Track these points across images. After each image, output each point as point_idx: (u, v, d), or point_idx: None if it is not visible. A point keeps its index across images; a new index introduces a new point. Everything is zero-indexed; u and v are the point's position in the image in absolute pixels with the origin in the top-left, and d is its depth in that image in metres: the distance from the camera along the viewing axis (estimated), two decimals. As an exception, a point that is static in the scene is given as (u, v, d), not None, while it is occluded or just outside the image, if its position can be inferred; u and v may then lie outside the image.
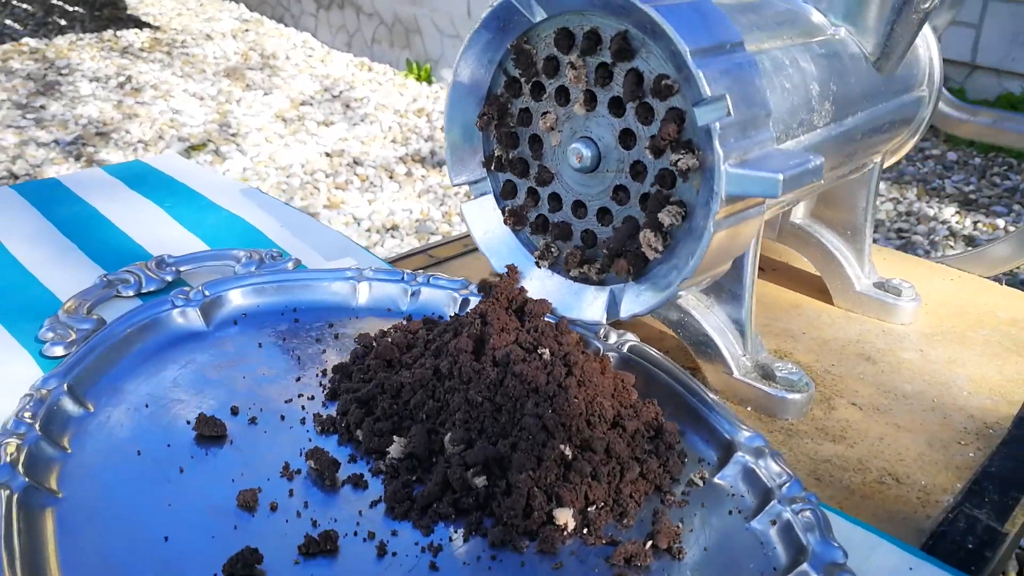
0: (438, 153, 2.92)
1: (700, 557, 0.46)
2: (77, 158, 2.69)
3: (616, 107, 0.51)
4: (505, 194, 0.59)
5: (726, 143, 0.45)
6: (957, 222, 2.38)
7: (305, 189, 2.64)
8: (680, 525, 0.48)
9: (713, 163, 0.45)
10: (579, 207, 0.54)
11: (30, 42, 3.68)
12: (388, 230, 2.45)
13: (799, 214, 0.75)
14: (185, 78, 3.42)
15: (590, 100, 0.51)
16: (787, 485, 0.49)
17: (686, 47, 0.44)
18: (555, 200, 0.56)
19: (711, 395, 0.55)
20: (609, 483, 0.49)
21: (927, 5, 0.61)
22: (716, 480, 0.51)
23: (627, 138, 0.51)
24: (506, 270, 0.56)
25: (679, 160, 0.47)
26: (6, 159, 2.62)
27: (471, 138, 0.58)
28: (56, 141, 2.79)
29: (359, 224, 2.44)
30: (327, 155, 2.86)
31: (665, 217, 0.48)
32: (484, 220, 0.58)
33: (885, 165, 0.75)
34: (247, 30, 4.09)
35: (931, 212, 2.39)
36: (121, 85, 3.29)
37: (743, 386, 0.60)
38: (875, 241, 0.90)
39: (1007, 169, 2.75)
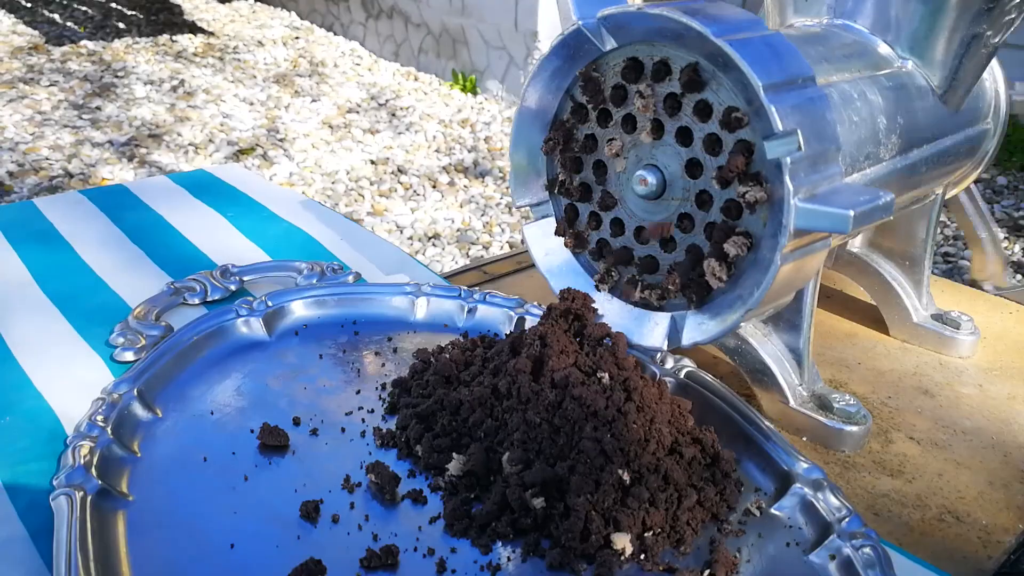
0: (481, 163, 2.93)
1: (758, 589, 0.46)
2: (130, 159, 2.75)
3: (684, 136, 0.51)
4: (567, 217, 0.59)
5: (796, 177, 0.45)
6: (1006, 247, 2.34)
7: (350, 196, 2.67)
8: (738, 555, 0.48)
9: (782, 196, 0.46)
10: (641, 232, 0.55)
11: (88, 44, 3.77)
12: (430, 239, 2.47)
13: (856, 243, 0.75)
14: (236, 83, 3.48)
15: (657, 129, 0.52)
16: (847, 520, 0.49)
17: (759, 82, 0.45)
18: (617, 225, 0.56)
19: (768, 424, 0.55)
20: (667, 509, 0.49)
21: (996, 40, 0.61)
22: (773, 511, 0.51)
23: (693, 167, 0.51)
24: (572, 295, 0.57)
25: (747, 192, 0.47)
26: (62, 158, 2.69)
27: (535, 161, 0.59)
28: (110, 142, 2.86)
29: (401, 232, 2.47)
30: (372, 162, 2.89)
31: (731, 248, 0.48)
32: (545, 242, 0.59)
33: (947, 196, 0.74)
34: (297, 38, 4.15)
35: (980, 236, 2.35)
36: (174, 89, 3.35)
37: (799, 416, 0.60)
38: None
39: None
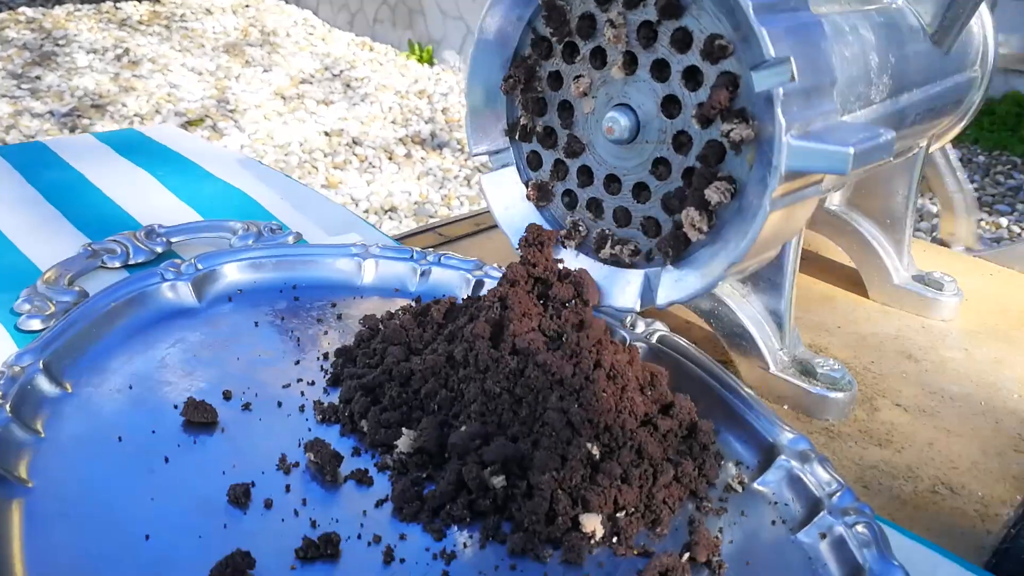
0: (438, 135, 2.87)
1: (742, 572, 0.42)
2: (72, 130, 2.63)
3: (659, 70, 0.46)
4: (530, 166, 0.54)
5: (788, 112, 0.40)
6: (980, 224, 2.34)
7: (303, 168, 2.58)
8: (719, 536, 0.43)
9: (772, 134, 0.40)
10: (612, 182, 0.49)
11: (27, 11, 3.61)
12: (387, 211, 2.40)
13: (835, 201, 0.70)
14: (183, 52, 3.35)
15: (630, 63, 0.46)
16: (838, 495, 0.45)
17: (748, 1, 0.39)
18: (585, 174, 0.51)
19: (748, 391, 0.51)
20: (641, 487, 0.44)
21: (991, -25, 0.56)
22: (756, 486, 0.47)
23: (671, 105, 0.46)
24: (526, 234, 0.51)
25: (732, 130, 0.42)
26: (0, 129, 2.56)
27: (494, 103, 0.53)
28: (51, 112, 2.73)
29: (357, 205, 2.39)
30: (326, 134, 2.81)
31: (713, 194, 0.43)
32: (505, 194, 0.53)
33: (931, 149, 0.70)
34: (247, 6, 4.02)
35: (933, 209, 2.34)
36: (118, 58, 3.22)
37: (780, 383, 0.55)
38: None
39: (1011, 168, 2.71)
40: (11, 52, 3.15)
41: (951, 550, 0.43)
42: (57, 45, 3.27)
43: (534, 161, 0.53)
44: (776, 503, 0.46)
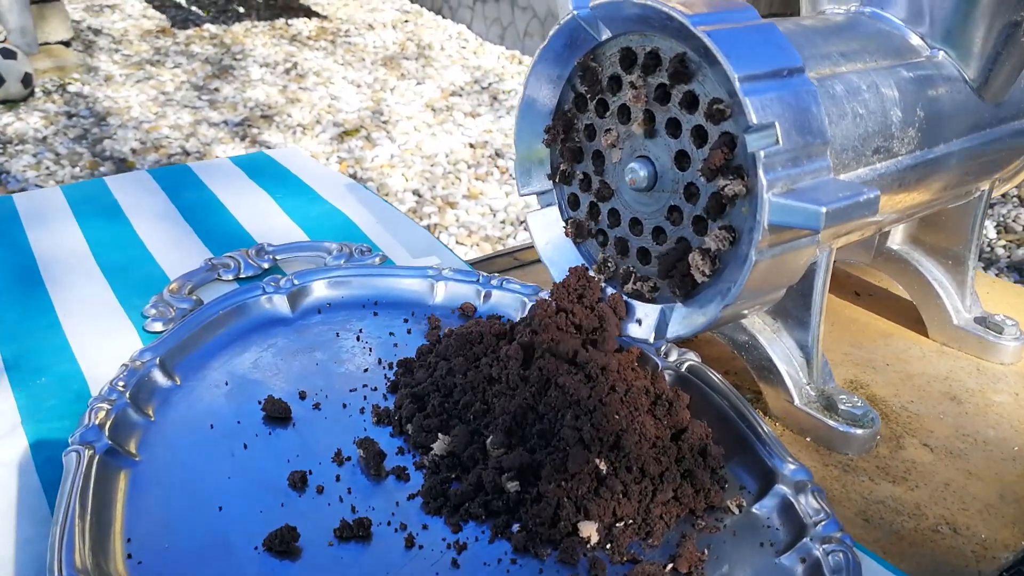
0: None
1: (718, 586, 0.46)
2: (242, 138, 2.88)
3: (673, 128, 0.51)
4: (571, 206, 0.60)
5: (771, 171, 0.44)
6: None
7: (447, 179, 2.71)
8: (706, 551, 0.48)
9: (759, 191, 0.45)
10: (636, 224, 0.55)
11: (211, 28, 3.96)
12: (521, 223, 2.49)
13: (896, 239, 0.72)
14: (345, 66, 3.58)
15: (649, 120, 0.51)
16: (823, 523, 0.48)
17: (735, 73, 0.44)
18: (614, 216, 0.56)
19: (763, 424, 0.54)
20: (640, 501, 0.50)
21: (1041, 27, 0.57)
22: (753, 510, 0.51)
23: (682, 159, 0.50)
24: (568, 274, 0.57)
25: (727, 186, 0.47)
26: (180, 137, 2.84)
27: (539, 151, 0.59)
28: (225, 122, 3.00)
29: (495, 215, 2.49)
30: (471, 146, 2.93)
31: (711, 242, 0.48)
32: (547, 231, 0.59)
33: (997, 193, 0.70)
34: (407, 21, 4.23)
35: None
36: (287, 71, 3.48)
37: (803, 416, 0.58)
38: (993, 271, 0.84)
39: None
40: (195, 66, 3.48)
41: (933, 586, 0.46)
42: (235, 59, 3.58)
43: (574, 202, 0.59)
44: (768, 527, 0.50)
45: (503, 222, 2.47)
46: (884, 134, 0.53)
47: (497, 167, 2.83)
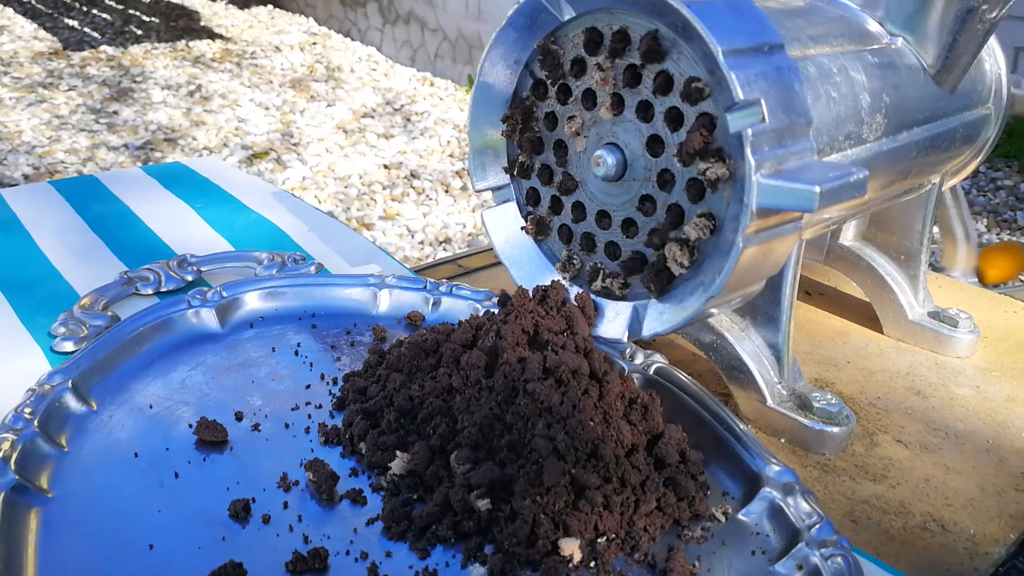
0: (496, 168, 2.90)
1: (715, 600, 0.42)
2: (145, 162, 2.75)
3: (644, 111, 0.47)
4: (529, 202, 0.56)
5: (759, 151, 0.41)
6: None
7: (362, 200, 2.65)
8: (697, 564, 0.44)
9: (744, 173, 0.42)
10: (603, 217, 0.51)
11: (107, 49, 3.80)
12: (441, 243, 2.45)
13: (849, 236, 0.70)
14: (252, 88, 3.48)
15: (617, 104, 0.48)
16: (817, 527, 0.45)
17: (718, 47, 0.41)
18: (579, 209, 0.53)
19: (741, 425, 0.51)
20: (622, 514, 0.46)
21: (994, 15, 0.57)
22: (740, 516, 0.48)
23: (655, 145, 0.47)
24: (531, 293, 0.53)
25: (708, 169, 0.44)
26: (77, 161, 2.70)
27: (494, 142, 0.55)
28: (126, 145, 2.86)
29: (413, 236, 2.45)
30: (385, 167, 2.87)
31: (692, 230, 0.45)
32: (505, 229, 0.56)
33: (945, 186, 0.70)
34: (315, 43, 4.15)
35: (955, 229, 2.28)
36: (191, 93, 3.36)
37: (777, 416, 0.56)
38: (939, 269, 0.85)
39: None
40: (92, 88, 3.32)
41: (933, 586, 0.44)
42: (134, 81, 3.44)
43: (533, 197, 0.55)
44: (758, 534, 0.47)
45: (421, 243, 2.43)
46: (855, 119, 0.51)
47: (413, 188, 2.78)
